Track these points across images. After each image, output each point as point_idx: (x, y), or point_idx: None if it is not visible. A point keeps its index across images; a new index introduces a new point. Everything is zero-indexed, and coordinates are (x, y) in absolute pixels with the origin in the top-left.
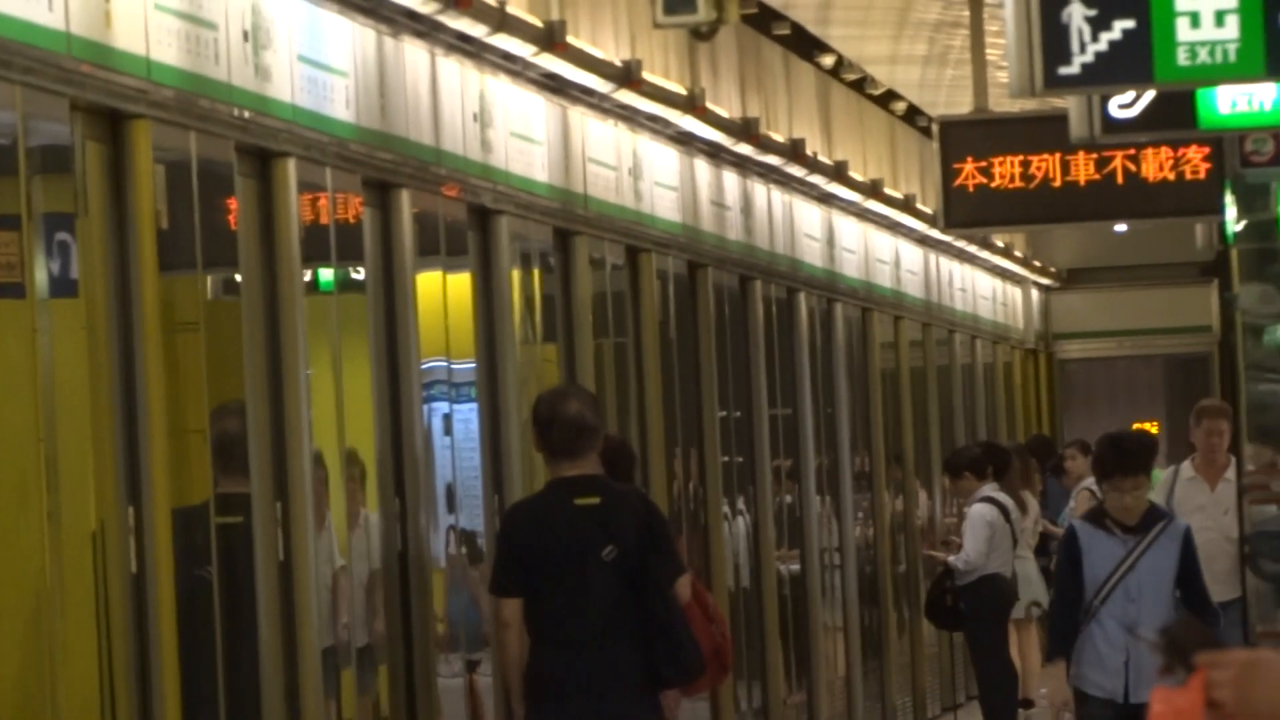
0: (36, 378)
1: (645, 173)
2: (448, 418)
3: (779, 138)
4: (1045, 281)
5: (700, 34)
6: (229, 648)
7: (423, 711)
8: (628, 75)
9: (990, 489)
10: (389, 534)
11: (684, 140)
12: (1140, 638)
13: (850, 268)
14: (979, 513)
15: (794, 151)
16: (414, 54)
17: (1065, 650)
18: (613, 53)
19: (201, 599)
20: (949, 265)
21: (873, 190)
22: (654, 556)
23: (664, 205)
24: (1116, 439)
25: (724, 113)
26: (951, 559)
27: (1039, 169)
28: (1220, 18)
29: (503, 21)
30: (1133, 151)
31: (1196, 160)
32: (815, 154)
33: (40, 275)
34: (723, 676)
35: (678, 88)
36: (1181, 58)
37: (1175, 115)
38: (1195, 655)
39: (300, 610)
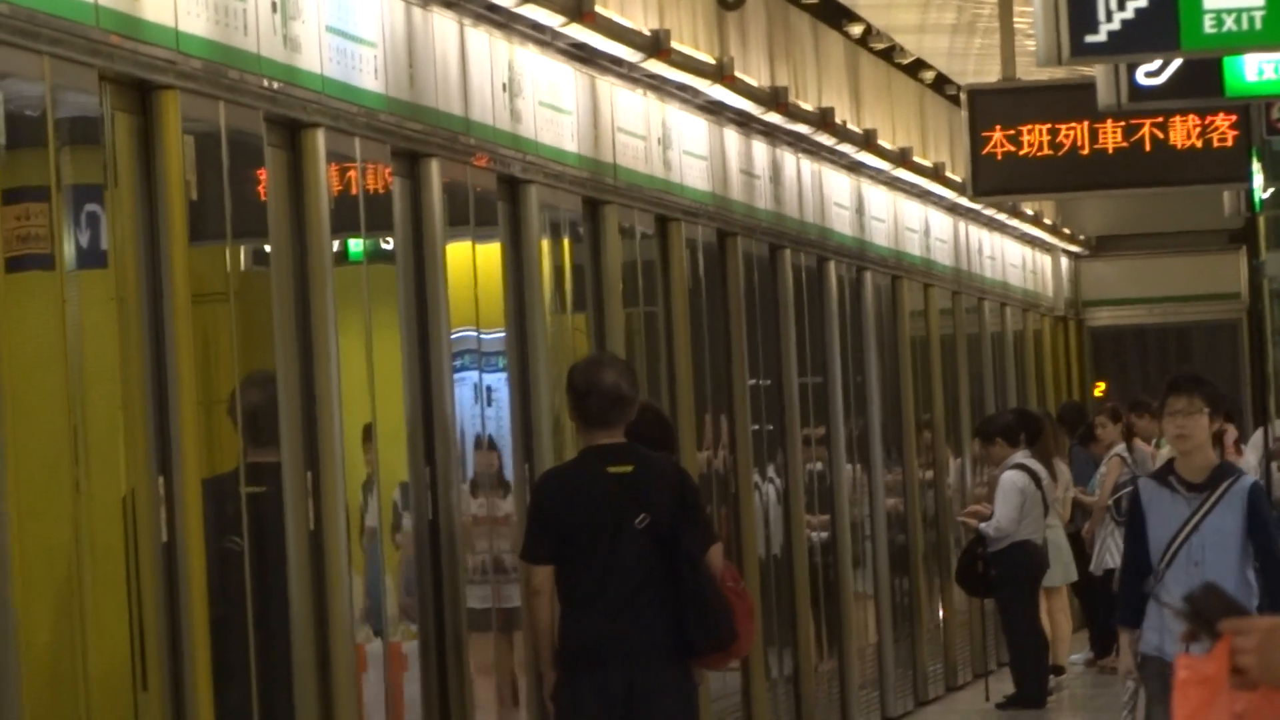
0: (66, 349)
1: (674, 142)
2: (477, 387)
3: (808, 107)
4: (1074, 249)
5: (728, 3)
6: (259, 617)
7: (453, 678)
8: (656, 45)
9: (1022, 456)
10: (419, 502)
11: (713, 109)
12: (1165, 605)
13: (880, 236)
14: (1011, 480)
15: (823, 120)
16: (443, 24)
17: (1131, 619)
18: (641, 22)
19: (232, 568)
20: (978, 233)
21: (901, 159)
22: (686, 525)
23: (693, 174)
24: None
25: (753, 82)
26: (983, 526)
27: (1067, 137)
28: None
29: None
30: (1160, 119)
31: (1224, 127)
32: (844, 123)
33: (69, 246)
34: (740, 650)
35: (706, 57)
36: (1208, 25)
37: (1202, 83)
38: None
39: (331, 579)
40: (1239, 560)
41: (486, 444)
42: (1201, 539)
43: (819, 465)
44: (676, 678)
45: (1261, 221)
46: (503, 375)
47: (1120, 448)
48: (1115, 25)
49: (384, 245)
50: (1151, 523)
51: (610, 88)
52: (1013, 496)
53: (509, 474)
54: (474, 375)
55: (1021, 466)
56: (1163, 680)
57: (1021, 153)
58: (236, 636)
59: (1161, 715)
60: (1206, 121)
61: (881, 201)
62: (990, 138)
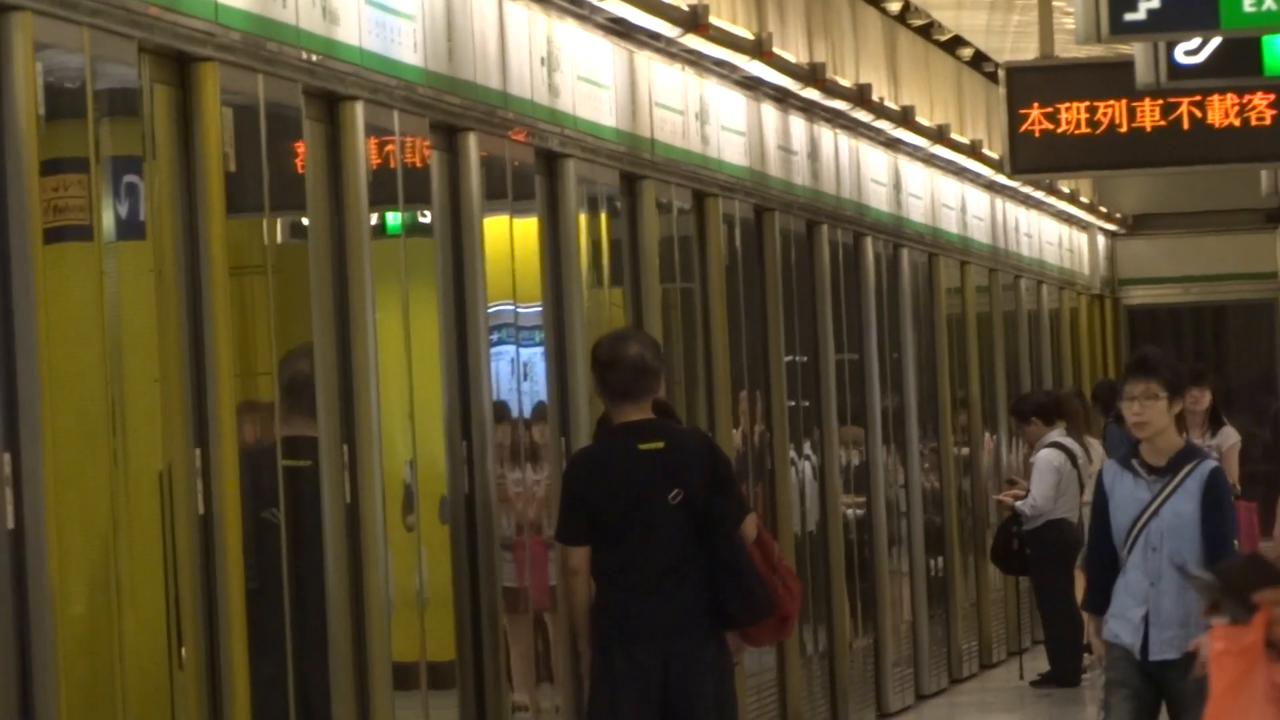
0: (104, 320)
1: (712, 117)
2: (514, 361)
3: (846, 83)
4: (1111, 227)
5: None
6: (295, 590)
7: (488, 653)
8: (694, 20)
9: (1057, 434)
10: (455, 477)
11: (751, 85)
12: (1191, 576)
13: (917, 213)
14: (1046, 458)
15: (861, 97)
16: None
17: (1097, 604)
18: None
19: (268, 541)
20: (1015, 211)
21: (939, 136)
22: (719, 498)
23: (731, 150)
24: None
25: (791, 57)
26: (1018, 504)
27: (1105, 115)
28: None
29: None
30: (1198, 98)
31: (1262, 107)
32: (882, 99)
33: (108, 218)
34: (786, 629)
35: (744, 32)
36: (1247, 4)
37: (1241, 62)
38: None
39: (367, 553)
40: (1199, 546)
41: (523, 419)
42: (1160, 523)
43: (855, 443)
44: (713, 653)
45: None
46: (539, 350)
47: None
48: (1155, 3)
49: (422, 219)
50: (1114, 506)
51: (648, 62)
52: (1048, 475)
53: (545, 449)
54: (511, 349)
55: (1057, 445)
56: (1117, 668)
57: (1059, 130)
58: (272, 609)
59: (1117, 703)
60: (1245, 100)
61: (919, 178)
62: (1028, 115)
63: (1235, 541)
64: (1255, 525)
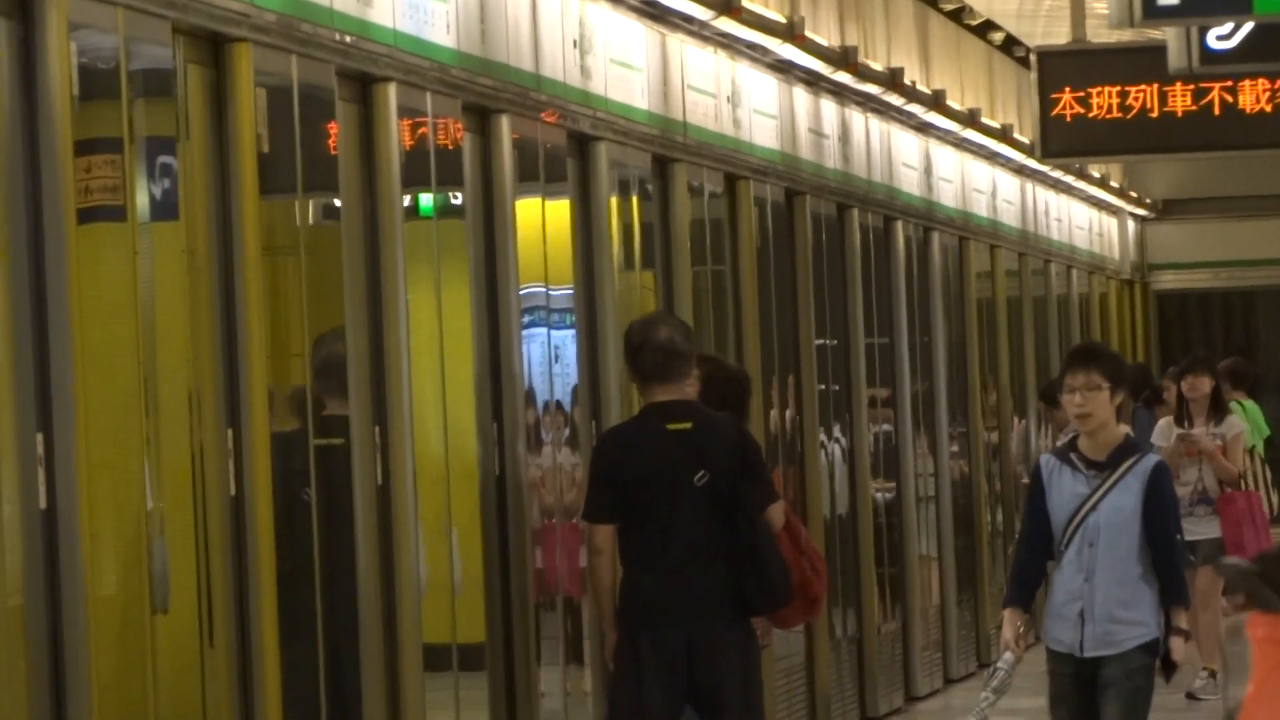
0: (137, 301)
1: (744, 100)
2: (545, 344)
3: (877, 66)
4: (1141, 212)
5: None
6: (327, 571)
7: (519, 635)
8: (727, 3)
9: None
10: (486, 459)
11: (783, 68)
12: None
13: (947, 197)
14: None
15: (892, 80)
16: None
17: (1018, 598)
18: None
19: (300, 522)
20: (1045, 195)
21: (970, 120)
22: (745, 483)
23: (762, 133)
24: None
25: (823, 41)
26: None
27: (1136, 100)
28: None
29: None
30: (1230, 83)
31: None
32: (913, 83)
33: (141, 198)
34: (814, 611)
35: (777, 16)
36: None
37: (1273, 47)
38: None
39: (398, 534)
40: (1138, 543)
41: (554, 401)
42: (1097, 518)
43: (885, 426)
44: (737, 636)
45: None
46: (570, 332)
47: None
48: None
49: (454, 200)
50: (1052, 502)
51: (680, 45)
52: None
53: (576, 431)
54: (542, 332)
55: None
56: (1057, 683)
57: (1091, 115)
58: (303, 591)
59: (1052, 706)
60: (1276, 85)
61: (949, 162)
62: (1059, 99)
63: (1179, 536)
64: (1257, 515)
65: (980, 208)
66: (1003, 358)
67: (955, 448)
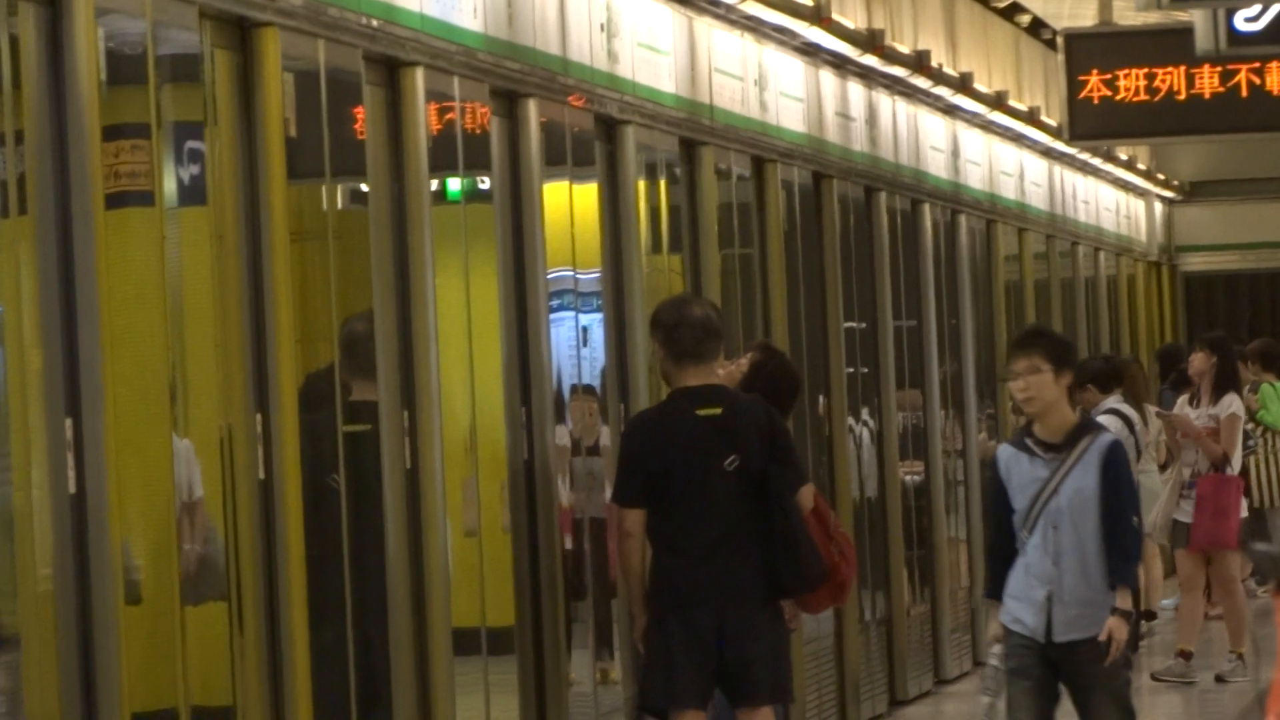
0: (165, 286)
1: (771, 83)
2: (573, 327)
3: (904, 49)
4: (1168, 194)
5: None
6: (356, 555)
7: (548, 619)
8: None
9: (1114, 401)
10: (515, 442)
11: (810, 51)
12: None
13: (975, 179)
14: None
15: (919, 63)
16: None
17: (996, 591)
18: None
19: (328, 506)
20: (1072, 178)
21: (997, 102)
22: (775, 466)
23: (789, 116)
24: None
25: (849, 24)
26: None
27: (1163, 82)
28: None
29: None
30: (1257, 65)
31: None
32: (940, 66)
33: (169, 184)
34: (841, 596)
35: None
36: None
37: None
38: None
39: (426, 517)
40: (1098, 521)
41: (582, 384)
42: (1060, 501)
43: (913, 409)
44: (767, 619)
45: None
46: (599, 316)
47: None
48: None
49: (481, 185)
50: (1013, 489)
51: (708, 29)
52: None
53: (604, 414)
54: (570, 316)
55: (1114, 411)
56: (1017, 656)
57: (1118, 97)
58: (332, 574)
59: (1018, 695)
60: None
61: (977, 145)
62: (1087, 82)
63: (1135, 517)
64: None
65: (1008, 190)
66: None
67: (984, 429)
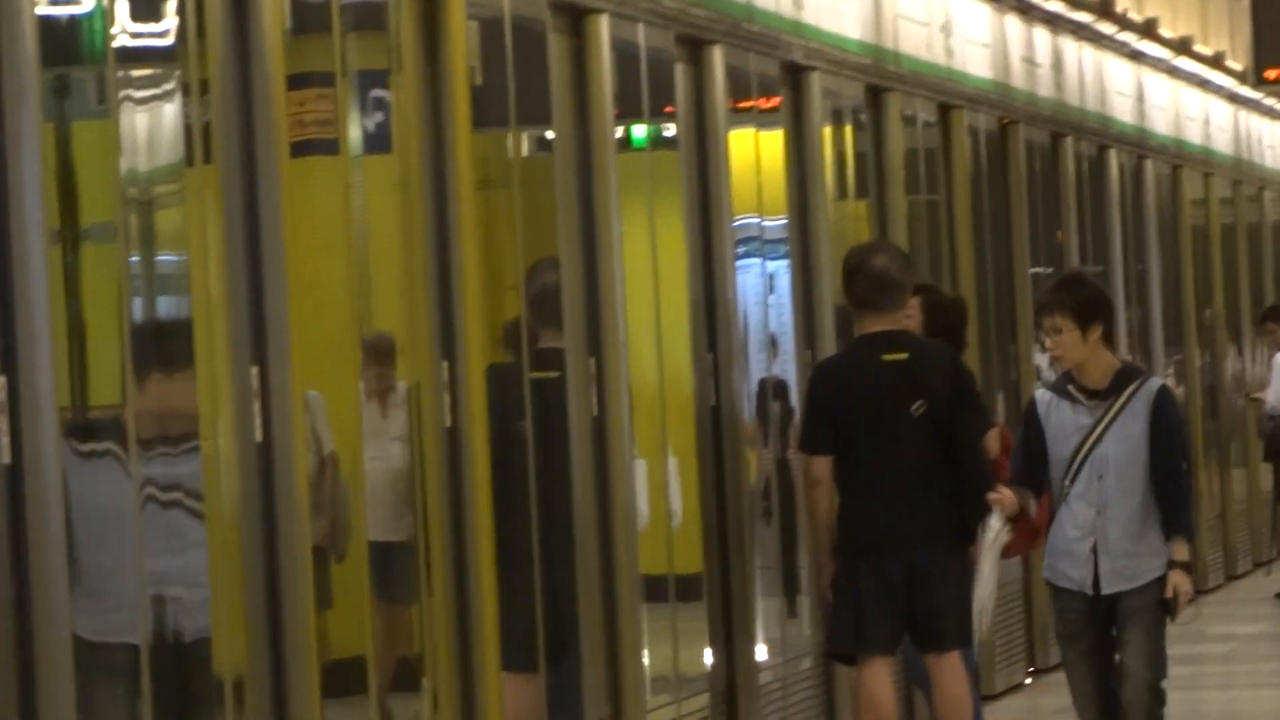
0: (350, 234)
1: (956, 29)
2: (760, 274)
3: None
4: None
5: None
6: (542, 501)
7: (735, 565)
8: None
9: None
10: (702, 389)
11: None
12: None
13: (1160, 124)
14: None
15: (1104, 8)
16: None
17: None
18: None
19: (515, 453)
20: (1259, 123)
21: (1182, 47)
22: (962, 411)
23: (975, 62)
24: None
25: None
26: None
27: None
28: None
29: None
30: None
31: None
32: (1125, 11)
33: (354, 132)
34: (1035, 541)
35: None
36: None
37: None
38: None
39: (613, 464)
40: (1146, 470)
41: (769, 331)
42: (1105, 450)
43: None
44: (955, 564)
45: None
46: (785, 262)
47: None
48: None
49: (666, 132)
50: (1051, 437)
51: None
52: None
53: (791, 361)
54: (756, 263)
55: None
56: (1067, 621)
57: None
58: (520, 521)
59: (1074, 659)
60: None
61: (1162, 90)
62: (1274, 26)
63: (1185, 463)
64: None
65: (1193, 135)
66: (1217, 285)
67: (1171, 374)
